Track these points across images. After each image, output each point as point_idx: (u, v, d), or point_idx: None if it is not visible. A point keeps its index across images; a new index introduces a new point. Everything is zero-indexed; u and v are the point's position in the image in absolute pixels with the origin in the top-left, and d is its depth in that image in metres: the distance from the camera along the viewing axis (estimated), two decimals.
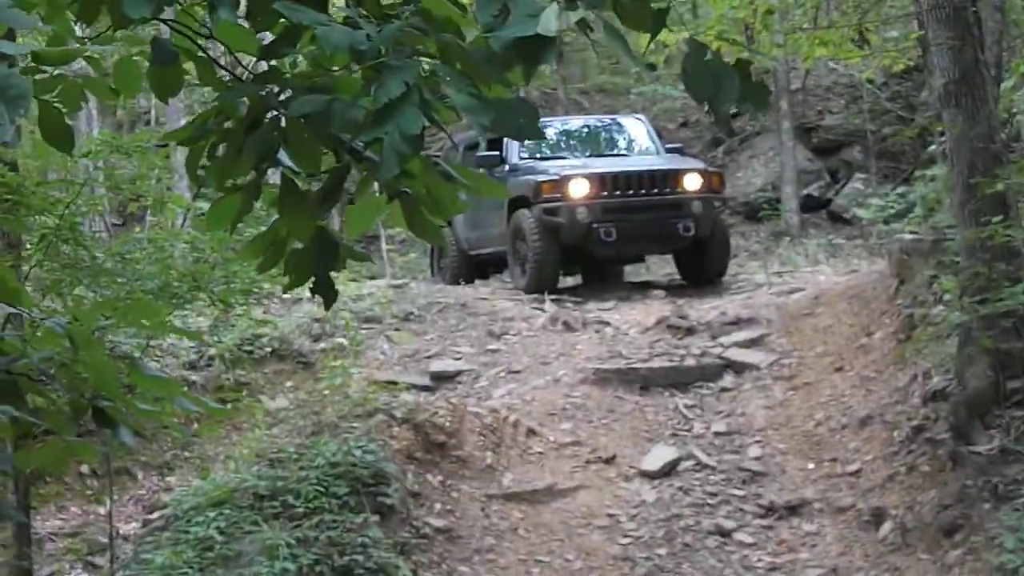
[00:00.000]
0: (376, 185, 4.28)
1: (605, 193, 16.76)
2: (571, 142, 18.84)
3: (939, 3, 11.06)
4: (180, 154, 13.34)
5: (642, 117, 19.83)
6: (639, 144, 18.73)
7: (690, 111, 28.50)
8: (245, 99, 4.13)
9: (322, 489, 10.39)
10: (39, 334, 4.22)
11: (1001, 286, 10.18)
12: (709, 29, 14.04)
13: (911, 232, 14.56)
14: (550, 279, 16.80)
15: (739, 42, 13.19)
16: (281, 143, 4.15)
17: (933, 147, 17.43)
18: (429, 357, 14.55)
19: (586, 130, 19.41)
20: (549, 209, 16.72)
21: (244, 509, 10.32)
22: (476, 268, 18.85)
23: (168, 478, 12.80)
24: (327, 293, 4.38)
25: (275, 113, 4.09)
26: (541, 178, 17.01)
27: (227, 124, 4.22)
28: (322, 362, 13.91)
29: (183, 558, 9.88)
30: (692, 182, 17.01)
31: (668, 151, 18.49)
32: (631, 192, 16.83)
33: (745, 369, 13.56)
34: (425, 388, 13.70)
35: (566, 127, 19.38)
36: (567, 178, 16.83)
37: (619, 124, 19.69)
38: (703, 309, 15.20)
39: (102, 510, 11.99)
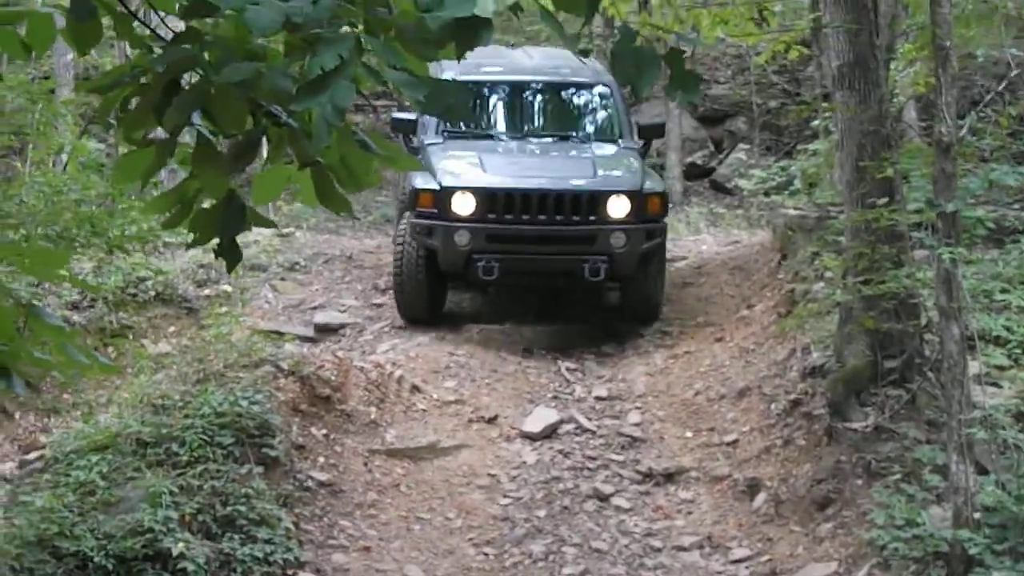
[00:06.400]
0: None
1: (493, 215, 13.14)
2: (505, 112, 14.76)
3: None
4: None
5: (611, 83, 14.78)
6: (597, 123, 14.97)
7: None
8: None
9: (207, 438, 10.37)
10: None
11: (884, 268, 10.38)
12: (610, 6, 13.74)
13: (795, 208, 14.78)
14: (424, 312, 13.72)
15: (665, 27, 13.15)
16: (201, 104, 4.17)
17: (816, 122, 17.68)
18: (314, 308, 14.56)
19: (530, 96, 14.85)
20: (424, 228, 13.29)
21: (127, 455, 10.27)
22: None
23: (48, 420, 12.70)
24: (231, 256, 4.42)
25: (201, 74, 4.11)
26: (419, 183, 13.26)
27: (143, 79, 4.23)
28: (206, 308, 13.85)
29: (63, 501, 9.82)
30: (618, 208, 13.30)
31: (643, 131, 14.71)
32: (527, 217, 13.15)
33: (628, 335, 13.71)
34: (309, 339, 13.71)
35: (510, 81, 14.70)
36: (449, 192, 13.16)
37: (577, 90, 15.12)
38: None
39: None
